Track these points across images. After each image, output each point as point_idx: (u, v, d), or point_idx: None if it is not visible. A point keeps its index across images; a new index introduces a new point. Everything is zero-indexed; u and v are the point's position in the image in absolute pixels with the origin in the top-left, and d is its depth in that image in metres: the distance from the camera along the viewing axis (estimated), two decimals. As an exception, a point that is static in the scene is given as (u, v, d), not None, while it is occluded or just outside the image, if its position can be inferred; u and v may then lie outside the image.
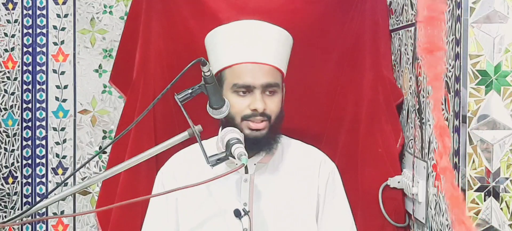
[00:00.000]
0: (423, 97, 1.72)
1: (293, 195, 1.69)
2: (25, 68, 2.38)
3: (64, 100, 2.40)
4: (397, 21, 2.02)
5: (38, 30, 2.38)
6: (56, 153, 2.40)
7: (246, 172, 1.65)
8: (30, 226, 2.40)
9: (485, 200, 1.39)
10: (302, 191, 1.70)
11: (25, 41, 2.38)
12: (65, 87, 2.40)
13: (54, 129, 2.40)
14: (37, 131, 2.40)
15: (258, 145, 1.63)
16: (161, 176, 1.76)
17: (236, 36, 1.68)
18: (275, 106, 1.65)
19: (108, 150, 2.18)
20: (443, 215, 1.54)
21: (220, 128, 1.70)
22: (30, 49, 2.38)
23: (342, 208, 1.74)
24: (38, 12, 2.38)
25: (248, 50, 1.65)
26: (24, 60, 2.38)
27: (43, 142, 2.40)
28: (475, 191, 1.39)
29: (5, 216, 2.34)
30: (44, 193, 2.38)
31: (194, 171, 1.68)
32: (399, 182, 1.89)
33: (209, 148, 1.57)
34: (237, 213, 1.62)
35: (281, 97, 1.68)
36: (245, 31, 1.69)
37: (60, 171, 2.40)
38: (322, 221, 1.70)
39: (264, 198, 1.67)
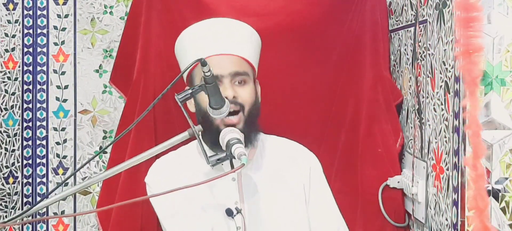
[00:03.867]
0: (423, 97, 1.72)
1: (280, 188, 1.69)
2: (25, 68, 2.38)
3: (65, 101, 2.40)
4: (396, 21, 2.02)
5: (39, 31, 2.38)
6: (56, 153, 2.41)
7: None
8: (30, 226, 2.40)
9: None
10: (288, 183, 1.70)
11: (25, 42, 2.38)
12: (66, 87, 2.40)
13: (55, 129, 2.40)
14: (38, 131, 2.40)
15: None
16: (149, 187, 1.73)
17: (202, 34, 1.68)
18: (247, 96, 1.63)
19: (109, 150, 2.18)
20: (442, 215, 1.54)
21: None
22: (30, 50, 2.38)
23: (327, 197, 1.73)
24: (39, 12, 2.38)
25: (214, 44, 1.65)
26: (25, 60, 2.38)
27: (44, 142, 2.40)
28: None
29: (6, 216, 2.34)
30: (44, 193, 2.38)
31: (179, 176, 1.67)
32: (398, 182, 1.89)
33: (191, 150, 1.56)
34: (229, 212, 1.62)
35: (253, 88, 1.66)
36: (210, 28, 1.69)
37: (60, 171, 2.41)
38: (309, 211, 1.69)
39: (254, 195, 1.66)
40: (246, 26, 1.71)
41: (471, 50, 1.33)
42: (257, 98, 1.68)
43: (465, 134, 1.39)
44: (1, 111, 2.34)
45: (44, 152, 2.40)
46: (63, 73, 2.39)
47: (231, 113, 1.58)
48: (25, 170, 2.39)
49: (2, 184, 2.34)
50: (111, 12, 2.38)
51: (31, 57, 2.38)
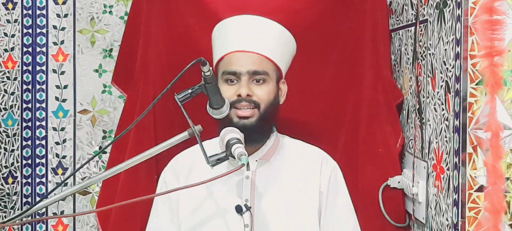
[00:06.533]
0: (424, 97, 1.72)
1: (294, 192, 1.69)
2: (25, 68, 2.38)
3: (64, 100, 2.40)
4: (397, 21, 2.02)
5: (38, 30, 2.38)
6: (56, 153, 2.40)
7: (248, 169, 1.66)
8: (30, 226, 2.40)
9: (485, 200, 1.38)
10: (303, 188, 1.70)
11: (25, 41, 2.37)
12: (65, 87, 2.39)
13: (54, 129, 2.40)
14: (37, 131, 2.39)
15: (247, 134, 1.61)
16: (164, 175, 1.77)
17: (232, 29, 1.72)
18: (264, 95, 1.65)
19: (108, 150, 2.18)
20: (443, 215, 1.54)
21: (220, 128, 1.70)
22: (30, 49, 2.38)
23: (346, 207, 1.74)
24: (38, 12, 2.37)
25: (239, 41, 1.68)
26: (24, 60, 2.37)
27: (43, 142, 2.39)
28: (475, 191, 1.39)
29: (5, 216, 2.33)
30: (44, 193, 2.38)
31: (196, 171, 1.69)
32: (399, 182, 1.88)
33: (211, 148, 1.58)
34: (239, 209, 1.63)
35: (272, 88, 1.68)
36: (241, 24, 1.72)
37: (60, 171, 2.40)
38: (325, 219, 1.70)
39: (265, 195, 1.67)
40: (276, 26, 1.73)
41: (494, 53, 1.34)
42: (276, 99, 1.70)
43: (466, 134, 1.39)
44: (0, 111, 2.33)
45: (44, 152, 2.40)
46: (62, 73, 2.39)
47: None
48: (24, 170, 2.39)
49: (2, 184, 2.34)
50: (110, 12, 2.37)
51: (30, 57, 2.38)
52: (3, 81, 2.34)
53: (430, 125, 1.66)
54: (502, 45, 1.35)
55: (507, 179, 1.37)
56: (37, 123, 2.39)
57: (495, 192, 1.36)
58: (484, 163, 1.37)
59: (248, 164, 1.46)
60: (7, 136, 2.35)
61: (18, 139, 2.37)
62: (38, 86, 2.39)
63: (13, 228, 2.36)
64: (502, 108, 1.37)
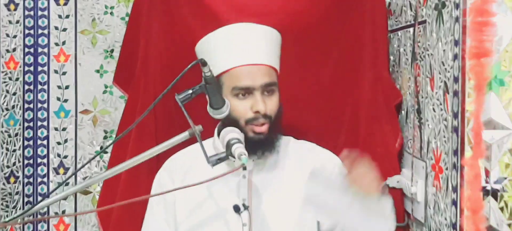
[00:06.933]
0: (422, 97, 1.72)
1: (292, 190, 1.70)
2: (26, 68, 2.39)
3: (66, 101, 2.41)
4: (396, 22, 2.03)
5: (40, 31, 2.39)
6: (57, 153, 2.41)
7: (245, 168, 1.66)
8: (31, 226, 2.40)
9: (483, 200, 1.39)
10: (301, 187, 1.70)
11: (26, 42, 2.38)
12: (67, 87, 2.40)
13: (56, 129, 2.41)
14: (39, 131, 2.40)
15: (261, 146, 1.64)
16: (158, 177, 1.77)
17: (230, 40, 1.69)
18: (274, 106, 1.66)
19: (109, 149, 2.19)
20: (441, 215, 1.54)
21: (216, 129, 1.71)
22: (31, 50, 2.39)
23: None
24: (40, 13, 2.39)
25: (244, 53, 1.66)
26: (26, 60, 2.39)
27: (45, 142, 2.40)
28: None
29: (7, 216, 2.34)
30: (45, 192, 2.39)
31: (193, 171, 1.69)
32: (398, 181, 1.89)
33: (206, 148, 1.58)
34: (237, 209, 1.63)
35: (278, 96, 1.69)
36: (238, 34, 1.70)
37: (61, 170, 2.41)
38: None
39: (263, 194, 1.67)
40: (271, 31, 1.72)
41: (481, 54, 1.35)
42: (280, 105, 1.70)
43: (464, 134, 1.39)
44: (2, 111, 2.34)
45: (45, 152, 2.41)
46: (64, 73, 2.40)
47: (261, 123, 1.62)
48: (26, 169, 2.40)
49: (4, 184, 2.35)
50: (111, 13, 2.38)
51: (32, 58, 2.39)
52: (5, 82, 2.35)
53: (428, 125, 1.66)
54: (490, 46, 1.35)
55: (505, 178, 1.38)
56: (39, 123, 2.40)
57: (473, 191, 1.36)
58: (463, 161, 1.37)
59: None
60: (9, 136, 2.36)
61: (20, 139, 2.38)
62: (39, 87, 2.40)
63: (15, 227, 2.37)
64: (500, 108, 1.37)
